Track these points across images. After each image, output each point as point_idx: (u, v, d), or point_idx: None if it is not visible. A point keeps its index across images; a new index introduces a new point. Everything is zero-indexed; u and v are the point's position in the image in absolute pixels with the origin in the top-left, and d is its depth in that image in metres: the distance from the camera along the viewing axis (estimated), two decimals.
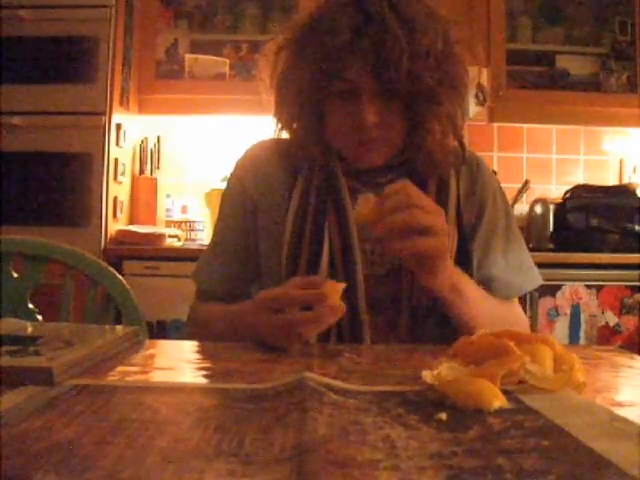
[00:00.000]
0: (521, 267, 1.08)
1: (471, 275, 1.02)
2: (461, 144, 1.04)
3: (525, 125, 2.89)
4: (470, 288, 0.94)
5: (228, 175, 1.14)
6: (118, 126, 2.45)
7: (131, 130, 2.61)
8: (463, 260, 1.01)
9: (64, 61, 2.37)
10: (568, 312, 2.35)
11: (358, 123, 0.95)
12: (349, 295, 0.97)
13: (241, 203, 1.08)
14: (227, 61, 2.73)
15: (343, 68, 0.93)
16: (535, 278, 1.10)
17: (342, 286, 0.80)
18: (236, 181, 1.10)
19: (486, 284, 1.03)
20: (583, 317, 2.35)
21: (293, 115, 1.03)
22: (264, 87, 1.04)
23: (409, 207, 0.80)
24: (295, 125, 1.04)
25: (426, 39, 0.92)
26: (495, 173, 1.51)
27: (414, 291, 0.98)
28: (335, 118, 0.99)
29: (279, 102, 1.03)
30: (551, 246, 2.58)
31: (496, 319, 0.96)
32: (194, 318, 1.10)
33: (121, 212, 2.52)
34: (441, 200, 1.01)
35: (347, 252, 0.99)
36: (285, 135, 1.08)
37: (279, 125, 1.05)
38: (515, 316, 1.07)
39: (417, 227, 0.81)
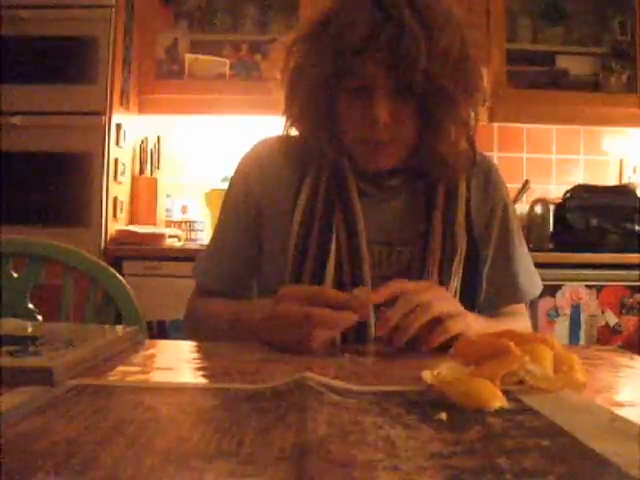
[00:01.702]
0: (529, 272, 1.10)
1: (480, 276, 1.03)
2: (473, 148, 1.03)
3: (525, 125, 2.89)
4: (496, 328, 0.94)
5: (230, 174, 1.14)
6: (118, 126, 2.45)
7: (131, 130, 2.61)
8: (472, 264, 1.02)
9: (64, 61, 2.37)
10: (568, 312, 2.35)
11: (370, 121, 0.93)
12: None
13: (244, 202, 1.07)
14: (227, 61, 2.73)
15: (358, 64, 0.92)
16: (539, 283, 1.12)
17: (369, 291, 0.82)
18: (240, 179, 1.10)
19: (504, 289, 1.06)
20: (583, 317, 2.35)
21: (305, 110, 1.01)
22: (274, 83, 1.02)
23: (420, 306, 0.79)
24: (306, 120, 1.02)
25: (444, 40, 0.91)
26: None
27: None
28: (347, 115, 0.98)
29: (290, 97, 1.01)
30: (551, 246, 2.58)
31: None
32: (193, 314, 1.09)
33: (121, 212, 2.52)
34: (450, 205, 1.02)
35: (355, 253, 0.99)
36: (294, 132, 1.06)
37: (289, 121, 1.03)
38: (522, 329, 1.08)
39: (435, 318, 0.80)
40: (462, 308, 0.86)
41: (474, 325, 0.85)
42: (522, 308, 1.12)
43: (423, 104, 0.94)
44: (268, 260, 1.06)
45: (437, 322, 0.80)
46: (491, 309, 1.06)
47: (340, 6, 0.96)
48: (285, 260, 1.00)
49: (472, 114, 0.99)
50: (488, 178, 1.08)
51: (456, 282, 1.01)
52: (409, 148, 0.99)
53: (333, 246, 0.99)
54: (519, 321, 1.08)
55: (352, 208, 1.01)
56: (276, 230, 1.04)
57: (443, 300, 0.83)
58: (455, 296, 1.00)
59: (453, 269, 1.00)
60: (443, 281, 0.99)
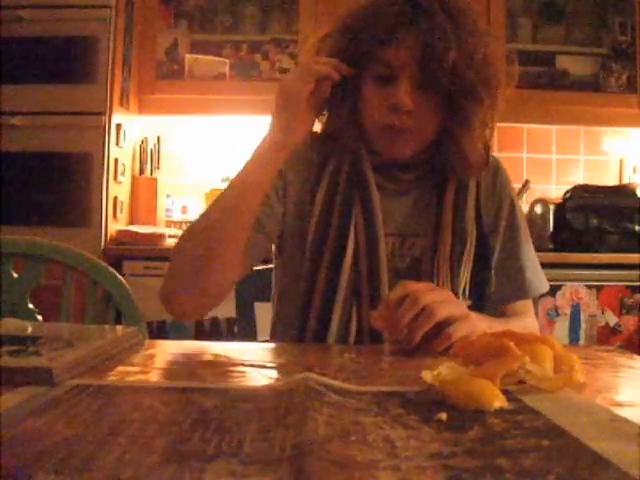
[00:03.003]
0: (536, 269, 1.11)
1: (489, 271, 1.05)
2: (487, 150, 1.06)
3: (525, 125, 2.89)
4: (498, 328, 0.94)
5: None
6: (118, 126, 2.45)
7: (131, 130, 2.61)
8: (482, 259, 1.04)
9: (64, 61, 2.37)
10: (568, 312, 2.35)
11: (394, 107, 0.95)
12: (372, 288, 0.98)
13: (276, 177, 1.05)
14: (227, 61, 2.73)
15: (388, 52, 0.95)
16: (546, 282, 1.13)
17: None
18: None
19: (511, 283, 1.07)
20: (583, 317, 2.35)
21: (330, 97, 1.01)
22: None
23: (424, 310, 0.80)
24: (330, 108, 1.03)
25: (472, 40, 0.94)
26: None
27: (435, 284, 0.99)
28: (370, 100, 1.00)
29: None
30: (551, 246, 2.58)
31: None
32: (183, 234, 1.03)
33: (121, 212, 2.52)
34: (460, 200, 1.04)
35: (372, 246, 1.01)
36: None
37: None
38: (527, 329, 1.08)
39: (440, 322, 0.81)
40: (466, 309, 0.87)
41: (479, 325, 0.85)
42: (529, 306, 1.12)
43: (447, 98, 0.96)
44: (288, 243, 1.07)
45: (441, 326, 0.81)
46: (498, 304, 1.07)
47: (372, 1, 0.99)
48: (304, 246, 1.02)
49: (491, 119, 1.02)
50: (496, 176, 1.11)
51: (466, 275, 1.03)
52: (428, 140, 1.01)
53: (351, 236, 1.01)
54: (525, 321, 1.09)
55: (371, 199, 1.02)
56: (297, 214, 1.05)
57: (446, 302, 0.83)
58: (465, 290, 1.02)
59: (463, 262, 1.02)
60: (453, 274, 1.01)
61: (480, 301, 1.02)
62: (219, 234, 0.95)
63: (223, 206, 0.97)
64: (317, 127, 1.07)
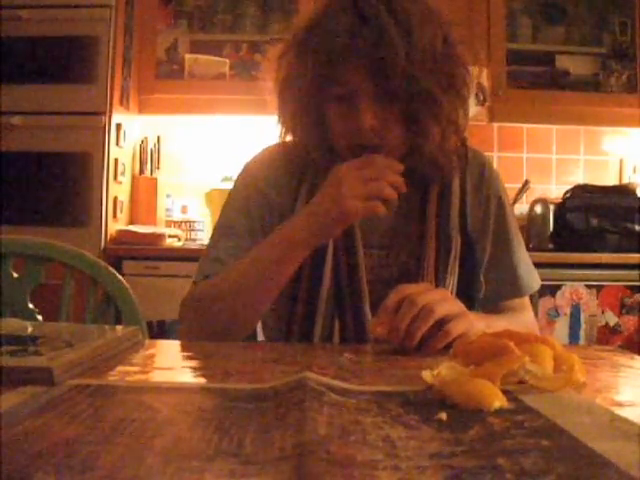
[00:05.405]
0: (528, 265, 1.11)
1: (477, 274, 1.04)
2: (464, 145, 1.04)
3: (525, 125, 2.89)
4: (496, 325, 0.93)
5: (230, 174, 1.13)
6: (118, 126, 2.45)
7: (131, 130, 2.61)
8: (468, 263, 1.03)
9: (64, 61, 2.37)
10: (568, 312, 2.35)
11: (356, 127, 0.94)
12: (354, 299, 0.98)
13: (255, 198, 1.06)
14: (227, 61, 2.73)
15: (340, 72, 0.93)
16: (538, 278, 1.12)
17: None
18: (250, 179, 1.09)
19: (505, 282, 1.07)
20: (583, 317, 2.35)
21: (295, 119, 1.02)
22: (268, 90, 1.03)
23: (423, 310, 0.80)
24: (297, 129, 1.03)
25: (423, 40, 0.91)
26: None
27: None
28: (335, 123, 0.98)
29: (281, 106, 1.02)
30: (551, 246, 2.58)
31: None
32: (197, 293, 1.03)
33: (121, 212, 2.52)
34: (443, 207, 1.03)
35: (351, 257, 1.00)
36: (290, 138, 1.07)
37: (283, 129, 1.05)
38: (525, 324, 1.08)
39: (438, 320, 0.81)
40: (463, 307, 0.87)
41: (477, 324, 0.85)
42: (524, 302, 1.12)
43: (407, 107, 0.94)
44: None
45: (440, 324, 0.81)
46: (493, 304, 1.07)
47: (321, 13, 0.96)
48: None
49: (461, 112, 0.98)
50: (482, 173, 1.09)
51: (452, 282, 1.02)
52: (399, 151, 0.98)
53: (330, 249, 1.00)
54: (522, 316, 1.08)
55: None
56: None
57: (445, 301, 0.83)
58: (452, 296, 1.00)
59: (448, 270, 1.01)
60: (439, 282, 1.00)
61: (469, 307, 1.01)
62: (243, 307, 0.96)
63: (247, 288, 0.96)
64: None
